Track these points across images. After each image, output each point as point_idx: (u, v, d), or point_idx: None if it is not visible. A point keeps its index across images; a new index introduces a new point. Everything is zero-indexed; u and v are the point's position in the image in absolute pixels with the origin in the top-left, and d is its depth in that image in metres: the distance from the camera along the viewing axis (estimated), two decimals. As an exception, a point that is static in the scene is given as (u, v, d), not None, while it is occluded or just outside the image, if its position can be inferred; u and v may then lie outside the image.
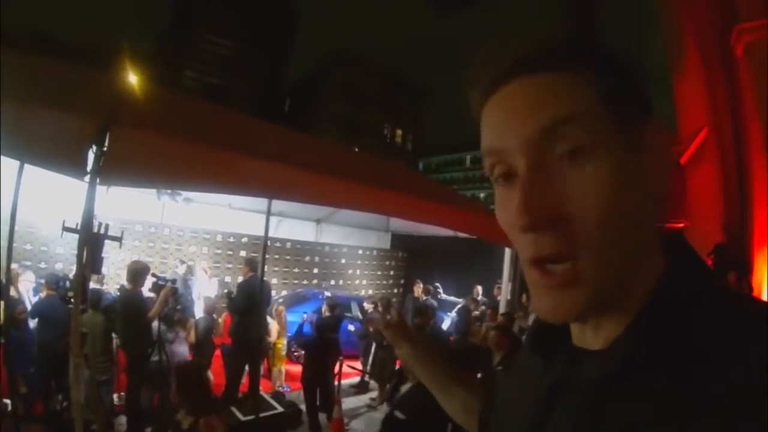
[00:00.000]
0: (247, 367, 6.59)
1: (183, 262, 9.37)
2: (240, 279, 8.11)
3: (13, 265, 6.33)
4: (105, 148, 3.51)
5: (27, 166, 3.75)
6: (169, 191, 7.78)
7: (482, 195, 44.16)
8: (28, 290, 6.19)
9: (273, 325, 7.77)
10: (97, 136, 3.43)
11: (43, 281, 5.77)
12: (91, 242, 3.76)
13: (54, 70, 3.67)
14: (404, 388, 5.22)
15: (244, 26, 57.06)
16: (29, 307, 5.53)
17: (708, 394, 0.47)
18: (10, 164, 3.66)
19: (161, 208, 9.53)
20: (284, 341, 7.89)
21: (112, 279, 7.45)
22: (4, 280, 4.48)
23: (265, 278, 6.80)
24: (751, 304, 0.55)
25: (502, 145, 0.57)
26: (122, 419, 5.00)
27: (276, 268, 11.49)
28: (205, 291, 9.01)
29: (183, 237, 10.40)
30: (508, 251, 7.92)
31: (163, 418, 4.96)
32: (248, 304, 6.44)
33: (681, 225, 9.76)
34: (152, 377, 5.23)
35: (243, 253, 10.68)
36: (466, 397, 1.10)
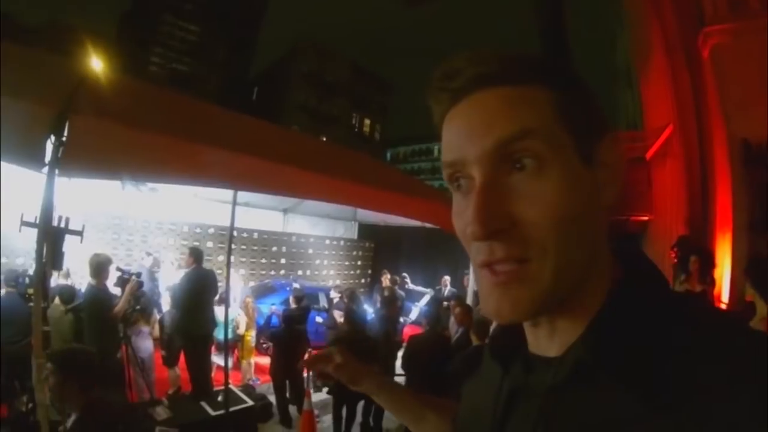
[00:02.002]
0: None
1: (149, 254, 9.15)
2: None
3: None
4: (64, 138, 3.39)
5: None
6: (132, 181, 7.55)
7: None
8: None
9: (241, 317, 7.68)
10: (55, 125, 3.30)
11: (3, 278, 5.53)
12: (51, 237, 3.64)
13: (8, 52, 3.49)
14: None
15: (211, 11, 55.99)
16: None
17: (661, 397, 0.49)
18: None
19: (125, 199, 9.25)
20: (253, 333, 7.80)
21: (77, 274, 7.20)
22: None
23: (211, 268, 6.65)
24: (703, 309, 0.57)
25: (461, 157, 0.59)
26: None
27: (243, 259, 11.36)
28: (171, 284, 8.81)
29: (148, 228, 10.17)
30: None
31: (134, 415, 4.88)
32: (193, 297, 6.19)
33: (646, 218, 9.97)
34: (118, 374, 5.09)
35: (210, 244, 10.57)
36: (437, 421, 1.07)
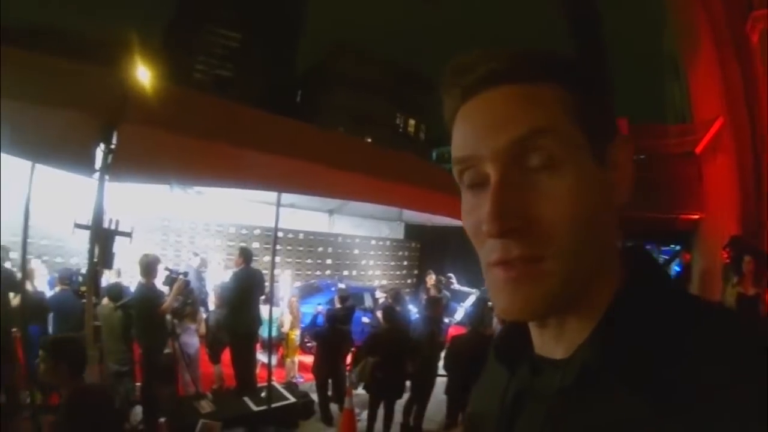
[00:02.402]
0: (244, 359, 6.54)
1: (196, 255, 9.45)
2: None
3: (35, 261, 6.53)
4: (113, 146, 3.58)
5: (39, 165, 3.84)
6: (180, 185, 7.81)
7: None
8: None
9: (286, 316, 7.83)
10: (104, 134, 3.50)
11: (57, 276, 5.88)
12: (102, 238, 3.85)
13: (60, 67, 3.72)
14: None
15: (251, 18, 57.38)
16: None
17: (667, 400, 0.49)
18: (22, 163, 3.74)
19: (173, 201, 9.58)
20: (297, 332, 7.95)
21: (127, 273, 7.55)
22: (20, 276, 4.59)
23: (260, 269, 6.83)
24: (711, 309, 0.57)
25: (475, 153, 0.58)
26: (138, 409, 5.11)
27: (289, 260, 11.51)
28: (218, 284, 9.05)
29: (196, 230, 10.48)
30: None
31: (177, 407, 5.11)
32: (240, 296, 6.36)
33: (696, 216, 9.58)
34: (165, 369, 5.34)
35: (256, 245, 10.64)
36: None
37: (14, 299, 4.97)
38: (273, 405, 5.50)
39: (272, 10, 58.61)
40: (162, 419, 4.00)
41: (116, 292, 5.47)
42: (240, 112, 5.69)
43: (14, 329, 4.85)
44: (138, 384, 5.37)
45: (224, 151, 4.46)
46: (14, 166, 3.89)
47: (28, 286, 5.35)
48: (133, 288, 6.34)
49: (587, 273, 0.57)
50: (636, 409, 0.50)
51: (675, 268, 13.01)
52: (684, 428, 0.47)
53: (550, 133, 0.55)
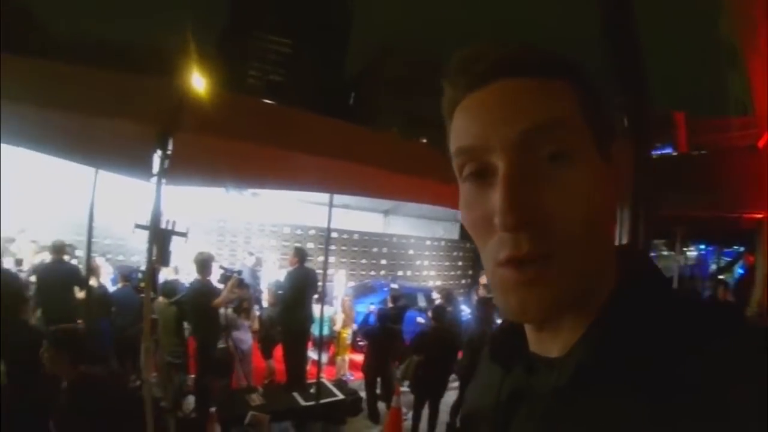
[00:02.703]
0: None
1: (251, 254, 9.77)
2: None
3: (99, 259, 7.00)
4: (169, 152, 3.81)
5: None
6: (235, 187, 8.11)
7: None
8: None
9: (338, 315, 8.00)
10: (161, 141, 3.73)
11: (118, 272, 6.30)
12: (160, 238, 4.09)
13: (119, 80, 3.98)
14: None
15: (300, 23, 58.77)
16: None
17: (664, 398, 0.48)
18: (87, 170, 4.05)
19: (229, 202, 9.91)
20: (349, 331, 8.11)
21: (183, 270, 7.95)
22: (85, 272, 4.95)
23: (314, 269, 7.00)
24: (708, 308, 0.56)
25: (482, 143, 0.56)
26: (190, 399, 5.39)
27: (343, 260, 11.69)
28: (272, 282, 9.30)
29: (251, 230, 10.84)
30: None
31: (228, 398, 5.35)
32: (294, 294, 6.54)
33: (760, 215, 9.07)
34: (219, 362, 5.61)
35: (311, 245, 10.91)
36: None
37: (80, 293, 5.40)
38: (321, 401, 5.65)
39: (320, 14, 59.85)
40: (213, 409, 4.21)
41: (170, 288, 5.79)
42: (292, 116, 5.83)
43: (79, 321, 5.26)
44: (192, 376, 5.70)
45: (277, 155, 4.59)
46: (79, 173, 4.24)
47: (93, 282, 5.77)
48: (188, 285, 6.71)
49: (595, 270, 0.56)
50: (631, 408, 0.49)
51: (738, 271, 12.39)
52: (680, 429, 0.46)
53: (566, 125, 0.55)
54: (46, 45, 38.70)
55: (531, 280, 0.54)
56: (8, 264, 6.51)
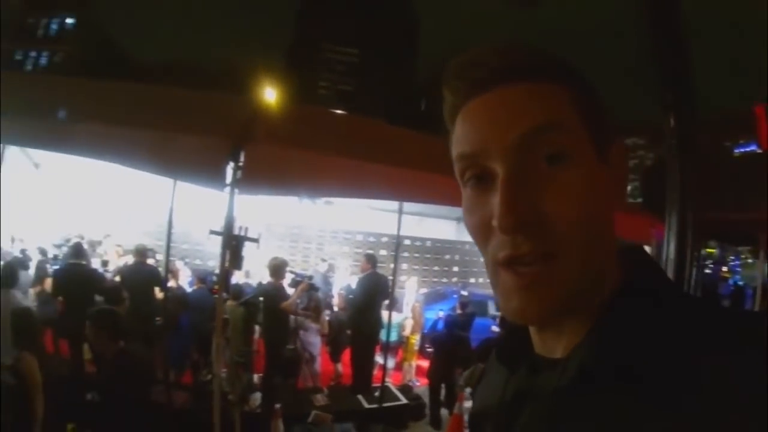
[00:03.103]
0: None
1: (324, 261, 10.08)
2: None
3: (179, 262, 7.55)
4: (241, 164, 4.09)
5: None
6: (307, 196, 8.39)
7: (629, 188, 41.74)
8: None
9: (408, 321, 8.09)
10: (233, 153, 4.01)
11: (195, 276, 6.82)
12: (232, 243, 4.37)
13: (192, 98, 4.34)
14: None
15: (367, 33, 59.82)
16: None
17: (666, 399, 0.48)
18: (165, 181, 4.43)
19: (303, 210, 10.24)
20: (418, 337, 8.18)
21: (257, 274, 8.37)
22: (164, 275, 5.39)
23: (384, 274, 7.13)
24: (711, 309, 0.56)
25: (481, 149, 0.57)
26: (257, 395, 5.66)
27: (416, 267, 11.76)
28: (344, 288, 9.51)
29: (324, 237, 11.16)
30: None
31: (294, 397, 5.61)
32: (365, 299, 6.72)
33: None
34: (287, 362, 5.90)
35: (383, 252, 10.93)
36: None
37: (159, 294, 5.92)
38: (384, 404, 5.77)
39: (387, 22, 60.57)
40: (278, 406, 4.43)
41: (236, 292, 6.16)
42: (362, 125, 5.99)
43: (158, 318, 5.78)
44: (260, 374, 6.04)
45: (348, 164, 4.75)
46: (159, 184, 4.65)
47: (172, 284, 6.24)
48: (252, 287, 7.14)
49: (597, 271, 0.57)
50: (633, 409, 0.49)
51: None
52: (682, 429, 0.46)
53: (564, 127, 0.56)
54: (127, 68, 41.78)
55: (531, 282, 0.55)
56: (95, 265, 7.31)
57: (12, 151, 5.93)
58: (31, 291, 6.70)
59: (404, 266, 10.99)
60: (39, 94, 5.00)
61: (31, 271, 7.24)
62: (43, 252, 8.16)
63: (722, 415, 0.45)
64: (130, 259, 6.98)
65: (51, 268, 7.26)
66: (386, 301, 6.89)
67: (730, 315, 0.56)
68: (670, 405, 0.47)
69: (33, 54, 45.74)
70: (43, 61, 45.72)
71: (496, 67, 0.58)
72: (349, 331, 7.15)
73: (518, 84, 0.57)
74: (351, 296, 7.32)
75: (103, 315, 3.63)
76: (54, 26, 46.13)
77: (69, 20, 45.97)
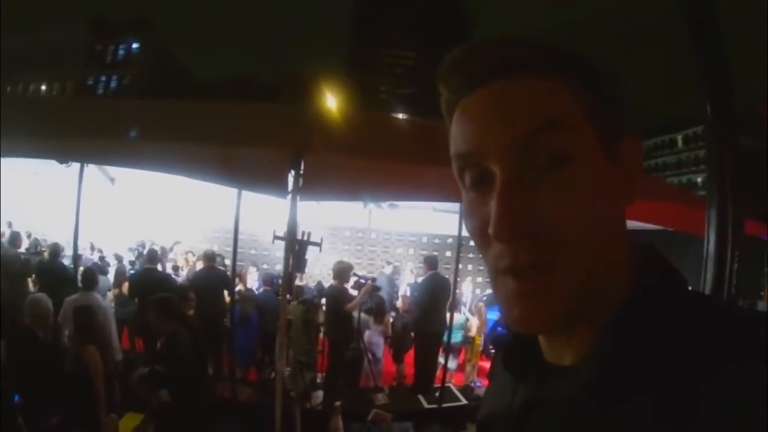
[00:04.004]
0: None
1: (389, 263, 10.23)
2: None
3: (251, 267, 8.03)
4: (301, 172, 4.32)
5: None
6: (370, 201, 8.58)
7: (699, 179, 39.45)
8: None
9: (473, 321, 8.10)
10: (293, 162, 4.24)
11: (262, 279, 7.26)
12: (296, 248, 4.59)
13: (253, 111, 4.63)
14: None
15: (422, 35, 60.04)
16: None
17: (681, 411, 0.45)
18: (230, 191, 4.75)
19: (368, 214, 10.49)
20: (482, 338, 8.19)
21: (323, 279, 8.71)
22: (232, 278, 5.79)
23: (447, 276, 7.23)
24: (731, 314, 0.53)
25: (478, 149, 0.54)
26: (319, 393, 5.88)
27: (481, 267, 11.68)
28: (409, 290, 9.61)
29: (389, 240, 11.32)
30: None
31: (355, 395, 5.80)
32: (428, 300, 6.82)
33: None
34: (349, 361, 6.12)
35: (448, 254, 11.01)
36: None
37: (227, 296, 6.38)
38: (444, 405, 5.82)
39: (441, 21, 60.49)
40: (338, 403, 4.60)
41: (298, 293, 6.53)
42: (422, 128, 6.03)
43: (225, 319, 6.23)
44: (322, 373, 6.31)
45: (408, 168, 4.83)
46: (224, 193, 5.02)
47: (240, 287, 6.63)
48: (312, 289, 7.44)
49: (601, 277, 0.53)
50: (644, 420, 0.47)
51: None
52: None
53: (564, 126, 0.52)
54: (190, 86, 44.06)
55: (533, 289, 0.52)
56: (168, 270, 7.96)
57: (90, 169, 6.53)
58: (110, 294, 7.36)
59: (469, 267, 10.97)
60: (111, 115, 5.55)
61: (110, 275, 7.95)
62: (118, 258, 8.94)
63: (739, 426, 0.42)
64: (199, 265, 7.48)
65: (128, 273, 7.99)
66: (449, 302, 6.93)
67: (753, 321, 0.50)
68: (684, 418, 0.44)
69: (103, 79, 50.28)
70: (113, 84, 50.17)
71: (492, 59, 0.54)
72: (412, 333, 7.27)
73: (516, 78, 0.53)
74: (414, 298, 7.40)
75: (162, 300, 4.23)
76: (121, 51, 50.62)
77: (134, 45, 50.27)
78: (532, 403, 0.60)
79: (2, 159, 6.44)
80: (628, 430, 0.48)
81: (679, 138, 47.81)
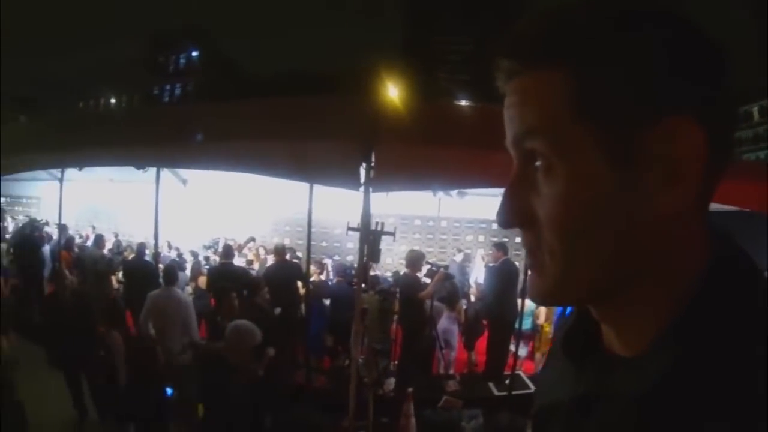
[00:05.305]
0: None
1: (460, 251, 10.23)
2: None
3: (327, 260, 8.33)
4: (372, 164, 4.40)
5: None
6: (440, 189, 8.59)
7: None
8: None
9: (542, 309, 8.00)
10: (364, 155, 4.33)
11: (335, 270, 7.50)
12: (370, 238, 4.69)
13: (318, 106, 4.74)
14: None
15: (479, 19, 59.01)
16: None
17: (745, 411, 0.43)
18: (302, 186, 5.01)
19: (437, 203, 10.51)
20: (551, 326, 8.06)
21: (396, 268, 8.83)
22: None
23: (518, 262, 7.22)
24: None
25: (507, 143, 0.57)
26: (391, 380, 6.01)
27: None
28: (481, 277, 9.59)
29: (459, 228, 11.30)
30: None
31: (427, 382, 5.88)
32: (500, 287, 6.80)
33: None
34: (422, 348, 6.20)
35: (518, 240, 10.87)
36: None
37: (302, 288, 6.68)
38: (513, 392, 5.82)
39: (495, 5, 59.19)
40: (410, 389, 4.68)
41: (374, 282, 6.67)
42: (486, 113, 6.00)
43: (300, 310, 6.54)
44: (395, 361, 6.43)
45: (475, 155, 4.83)
46: (294, 188, 5.39)
47: (315, 278, 6.88)
48: (388, 279, 7.53)
49: (595, 274, 0.52)
50: (714, 418, 0.44)
51: None
52: None
53: (540, 133, 0.52)
54: (252, 86, 45.41)
55: (534, 266, 0.56)
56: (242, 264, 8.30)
57: (164, 173, 7.06)
58: (188, 288, 7.88)
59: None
60: (180, 121, 5.89)
61: (187, 271, 8.50)
62: (194, 254, 9.60)
63: None
64: (271, 259, 7.84)
65: (204, 268, 8.55)
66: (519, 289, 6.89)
67: None
68: (748, 419, 0.43)
69: (167, 87, 53.83)
70: (177, 91, 53.46)
71: (504, 70, 0.56)
72: (484, 320, 7.27)
73: (523, 76, 0.54)
74: (485, 285, 7.41)
75: (227, 288, 4.82)
76: (182, 60, 53.88)
77: (194, 53, 53.24)
78: (592, 395, 0.57)
79: (83, 169, 7.07)
80: (696, 427, 0.45)
81: (755, 110, 43.76)
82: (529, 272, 0.58)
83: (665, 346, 0.49)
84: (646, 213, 0.50)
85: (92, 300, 5.42)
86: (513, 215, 0.55)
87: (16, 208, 14.13)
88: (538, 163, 0.52)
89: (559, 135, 0.51)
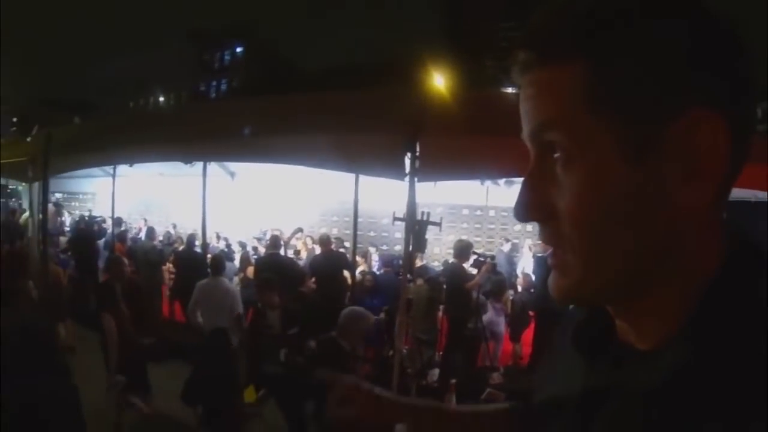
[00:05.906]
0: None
1: (507, 241, 10.12)
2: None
3: (371, 248, 8.38)
4: (417, 154, 4.40)
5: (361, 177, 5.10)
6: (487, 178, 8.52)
7: None
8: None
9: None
10: (408, 146, 4.33)
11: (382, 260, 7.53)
12: (416, 228, 4.69)
13: (364, 98, 4.76)
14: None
15: (523, 4, 58.19)
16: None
17: (760, 407, 0.41)
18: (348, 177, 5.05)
19: (485, 192, 10.40)
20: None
21: (444, 257, 8.81)
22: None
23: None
24: None
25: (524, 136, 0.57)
26: (435, 372, 5.91)
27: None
28: (528, 267, 9.48)
29: (507, 217, 11.15)
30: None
31: (471, 374, 5.81)
32: (545, 277, 6.65)
33: None
34: (468, 339, 6.18)
35: None
36: None
37: (348, 278, 6.76)
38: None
39: None
40: (453, 381, 4.66)
41: (422, 272, 6.70)
42: None
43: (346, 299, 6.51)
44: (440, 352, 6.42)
45: (519, 144, 4.77)
46: (340, 178, 5.42)
47: (362, 267, 6.93)
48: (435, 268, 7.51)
49: (621, 268, 0.52)
50: (729, 413, 0.43)
51: None
52: None
53: (559, 125, 0.51)
54: (297, 79, 46.11)
55: (556, 265, 0.55)
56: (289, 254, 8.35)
57: (212, 166, 7.29)
58: (236, 278, 8.15)
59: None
60: (227, 116, 6.02)
61: (236, 261, 8.80)
62: (242, 245, 9.88)
63: None
64: (318, 249, 7.89)
65: (252, 258, 8.75)
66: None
67: None
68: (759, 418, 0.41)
69: (214, 84, 55.69)
70: (224, 87, 55.18)
71: (520, 63, 0.55)
72: (531, 312, 7.18)
73: (540, 69, 0.53)
74: (534, 275, 7.31)
75: (269, 278, 5.02)
76: (227, 57, 55.63)
77: (238, 49, 54.80)
78: (604, 390, 0.56)
79: (134, 165, 7.36)
80: (711, 426, 0.43)
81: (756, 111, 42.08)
82: (552, 272, 0.56)
83: (680, 342, 0.49)
84: (666, 207, 0.49)
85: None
86: (532, 208, 0.54)
87: (72, 203, 14.96)
88: (556, 155, 0.52)
89: (579, 127, 0.50)
